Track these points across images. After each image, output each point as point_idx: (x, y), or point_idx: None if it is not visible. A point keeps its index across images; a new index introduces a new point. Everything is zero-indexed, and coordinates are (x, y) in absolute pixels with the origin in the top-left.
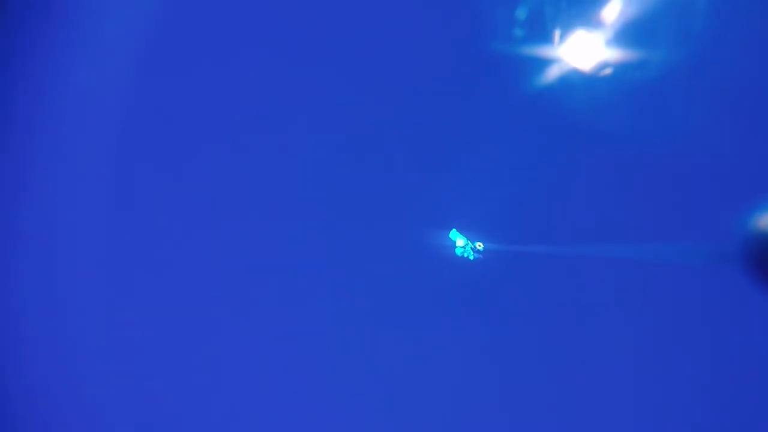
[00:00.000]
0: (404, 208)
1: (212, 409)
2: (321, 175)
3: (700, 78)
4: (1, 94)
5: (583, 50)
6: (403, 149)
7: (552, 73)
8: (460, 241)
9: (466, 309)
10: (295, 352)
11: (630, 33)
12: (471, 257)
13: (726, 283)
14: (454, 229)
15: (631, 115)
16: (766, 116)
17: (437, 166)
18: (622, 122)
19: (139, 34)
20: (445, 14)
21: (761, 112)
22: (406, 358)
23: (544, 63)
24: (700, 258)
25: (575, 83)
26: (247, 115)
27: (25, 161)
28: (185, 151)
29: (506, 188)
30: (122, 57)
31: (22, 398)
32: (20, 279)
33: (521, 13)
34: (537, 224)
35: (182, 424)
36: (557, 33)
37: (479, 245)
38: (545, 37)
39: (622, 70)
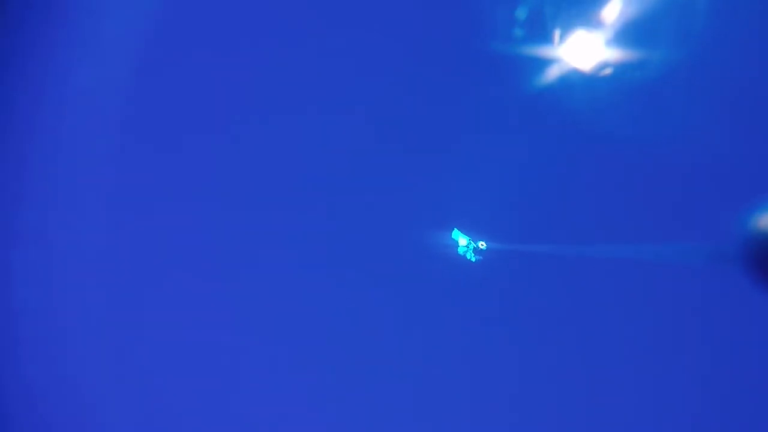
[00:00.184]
0: (404, 207)
1: (212, 409)
2: (322, 175)
3: (700, 78)
4: (1, 94)
5: (583, 50)
6: (404, 149)
7: (552, 73)
8: (462, 241)
9: (467, 308)
10: (294, 352)
11: (630, 33)
12: (472, 258)
13: (726, 283)
14: (456, 229)
15: (631, 115)
16: (766, 116)
17: (437, 165)
18: (622, 122)
19: (138, 33)
20: (445, 14)
21: (761, 112)
22: (407, 357)
23: (544, 63)
24: (700, 258)
25: (575, 83)
26: (248, 116)
27: (25, 161)
28: (185, 151)
29: (506, 188)
30: (122, 57)
31: (21, 398)
32: (19, 278)
33: (521, 13)
34: (537, 224)
35: (182, 424)
36: (557, 33)
37: (482, 244)
38: (545, 37)
39: (622, 70)
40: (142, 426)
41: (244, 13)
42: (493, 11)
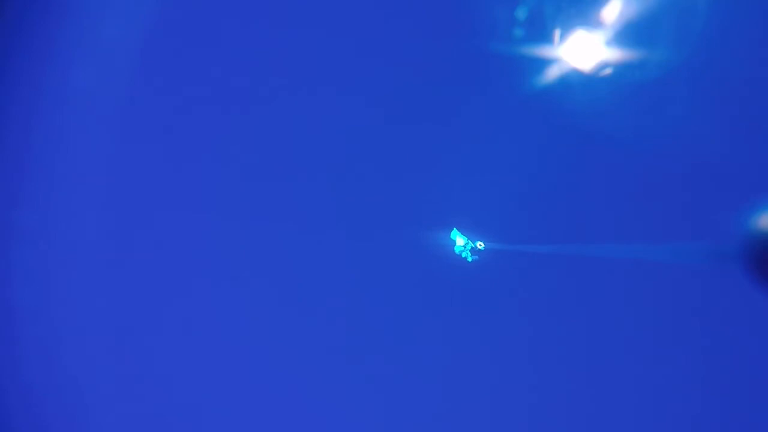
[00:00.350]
0: (404, 208)
1: (212, 410)
2: (321, 175)
3: (700, 78)
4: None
5: (583, 50)
6: (403, 149)
7: (552, 73)
8: (460, 241)
9: (465, 309)
10: (293, 353)
11: (630, 33)
12: (468, 258)
13: (726, 282)
14: (455, 229)
15: (631, 115)
16: (766, 116)
17: (436, 166)
18: (623, 122)
19: (138, 33)
20: (445, 14)
21: (761, 112)
22: (406, 358)
23: (544, 63)
24: (701, 258)
25: (575, 83)
26: (247, 116)
27: (24, 161)
28: (185, 151)
29: (506, 188)
30: (122, 56)
31: (21, 398)
32: (19, 279)
33: (521, 13)
34: (536, 224)
35: (182, 424)
36: (557, 33)
37: (480, 245)
38: (545, 37)
39: (622, 70)
40: (141, 426)
41: (244, 12)
42: (493, 11)
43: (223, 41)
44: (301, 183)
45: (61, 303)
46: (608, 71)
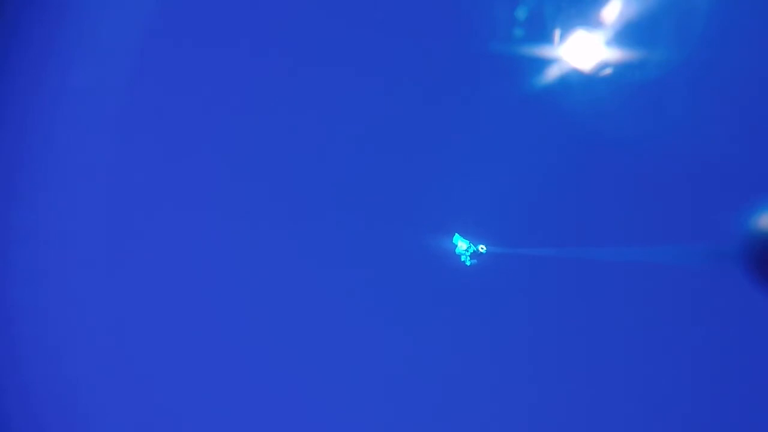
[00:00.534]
0: (403, 210)
1: (213, 411)
2: (320, 178)
3: (700, 78)
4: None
5: (583, 50)
6: (401, 150)
7: (552, 73)
8: (462, 244)
9: (466, 312)
10: (292, 355)
11: (630, 33)
12: (467, 262)
13: (726, 283)
14: (456, 234)
15: (631, 116)
16: (766, 116)
17: (435, 167)
18: (623, 123)
19: (138, 33)
20: (444, 14)
21: (761, 112)
22: (407, 361)
23: (544, 63)
24: (702, 259)
25: (575, 83)
26: (246, 116)
27: (24, 161)
28: (184, 151)
29: (505, 189)
30: (122, 56)
31: (20, 399)
32: (18, 279)
33: (521, 13)
34: (536, 226)
35: (182, 425)
36: (557, 33)
37: (482, 248)
38: (545, 37)
39: (622, 70)
40: (141, 427)
41: (243, 12)
42: (493, 11)
43: (223, 41)
44: (301, 185)
45: (60, 303)
46: (608, 71)
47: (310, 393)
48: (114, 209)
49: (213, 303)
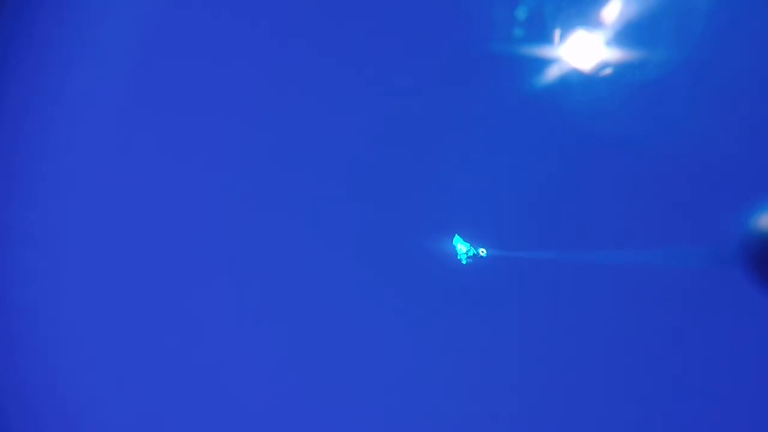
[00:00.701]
0: (401, 213)
1: (212, 413)
2: (318, 180)
3: (701, 78)
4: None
5: (583, 50)
6: (399, 152)
7: (552, 73)
8: (461, 247)
9: (465, 315)
10: (291, 357)
11: (630, 33)
12: (463, 261)
13: (729, 286)
14: (457, 235)
15: (631, 116)
16: (766, 116)
17: (434, 168)
18: (623, 123)
19: (138, 33)
20: (444, 14)
21: (761, 112)
22: (404, 364)
23: (544, 63)
24: (703, 260)
25: (575, 83)
26: (246, 116)
27: (24, 161)
28: (185, 152)
29: (504, 190)
30: (121, 56)
31: (19, 399)
32: (17, 279)
33: (521, 13)
34: (535, 226)
35: (182, 425)
36: (557, 33)
37: (482, 251)
38: (545, 37)
39: (622, 70)
40: (141, 427)
41: (244, 13)
42: (493, 11)
43: (223, 41)
44: (300, 186)
45: (60, 303)
46: (608, 71)
47: (309, 393)
48: (115, 209)
49: (214, 304)
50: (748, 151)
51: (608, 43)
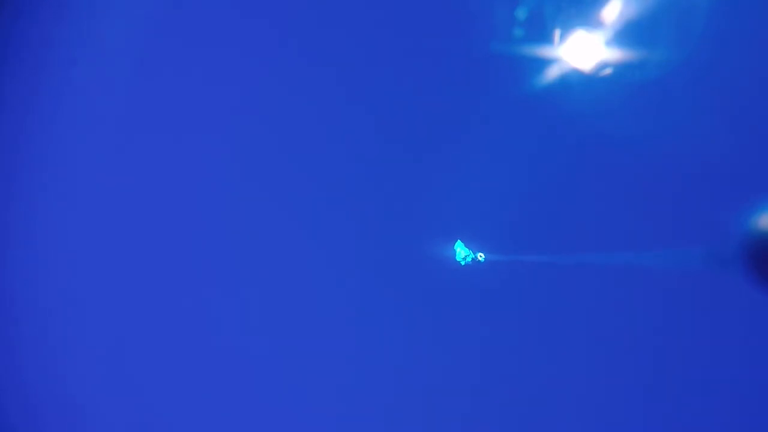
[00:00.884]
0: (399, 215)
1: (213, 411)
2: (316, 183)
3: (701, 78)
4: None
5: (583, 50)
6: (398, 153)
7: (552, 73)
8: (461, 251)
9: (464, 317)
10: (290, 358)
11: (630, 33)
12: (462, 263)
13: (729, 287)
14: (459, 241)
15: (631, 116)
16: (766, 116)
17: (433, 169)
18: (623, 123)
19: (139, 32)
20: (443, 14)
21: (761, 112)
22: (403, 366)
23: (544, 63)
24: (702, 261)
25: (575, 83)
26: (245, 117)
27: (24, 161)
28: (185, 153)
29: (503, 191)
30: (121, 56)
31: (19, 399)
32: (17, 279)
33: (521, 13)
34: (534, 227)
35: (182, 424)
36: (557, 33)
37: (480, 256)
38: (545, 37)
39: (622, 70)
40: (138, 427)
41: (243, 12)
42: (493, 11)
43: (224, 41)
44: (299, 187)
45: (60, 303)
46: (608, 71)
47: (308, 394)
48: (115, 209)
49: (214, 305)
50: (748, 152)
51: (608, 43)
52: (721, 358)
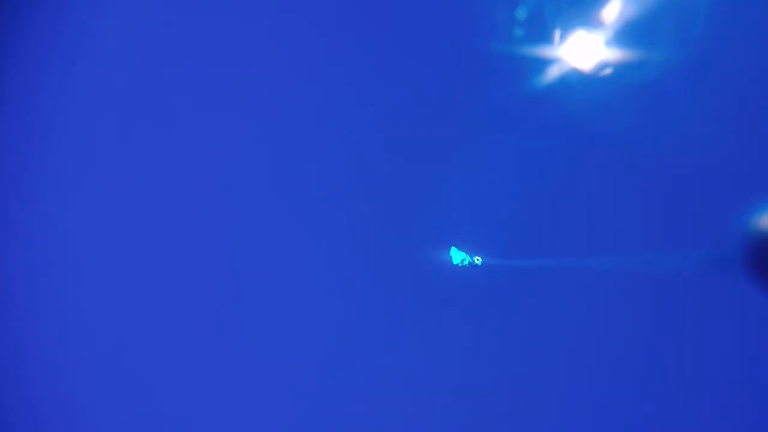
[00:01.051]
0: (398, 217)
1: (213, 411)
2: (314, 187)
3: (701, 78)
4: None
5: (583, 50)
6: (397, 154)
7: (552, 73)
8: (457, 256)
9: (461, 321)
10: (290, 358)
11: (630, 33)
12: (459, 265)
13: (729, 287)
14: (453, 247)
15: (631, 116)
16: (766, 116)
17: (432, 170)
18: (623, 123)
19: (139, 32)
20: (443, 14)
21: (761, 112)
22: (402, 367)
23: (544, 63)
24: (702, 262)
25: (575, 83)
26: (245, 117)
27: (24, 161)
28: (185, 152)
29: (503, 191)
30: (121, 56)
31: (19, 400)
32: (17, 279)
33: (521, 13)
34: (534, 227)
35: (182, 424)
36: (557, 33)
37: (477, 259)
38: (545, 37)
39: (622, 70)
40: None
41: (243, 12)
42: (493, 11)
43: (224, 41)
44: (298, 188)
45: (60, 303)
46: (608, 71)
47: (308, 394)
48: (115, 209)
49: (214, 305)
50: (748, 152)
51: (608, 43)
52: (721, 358)
